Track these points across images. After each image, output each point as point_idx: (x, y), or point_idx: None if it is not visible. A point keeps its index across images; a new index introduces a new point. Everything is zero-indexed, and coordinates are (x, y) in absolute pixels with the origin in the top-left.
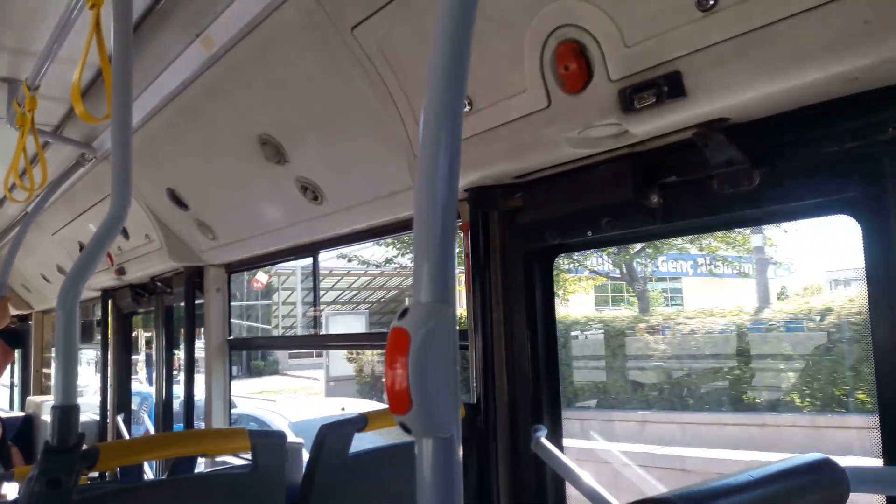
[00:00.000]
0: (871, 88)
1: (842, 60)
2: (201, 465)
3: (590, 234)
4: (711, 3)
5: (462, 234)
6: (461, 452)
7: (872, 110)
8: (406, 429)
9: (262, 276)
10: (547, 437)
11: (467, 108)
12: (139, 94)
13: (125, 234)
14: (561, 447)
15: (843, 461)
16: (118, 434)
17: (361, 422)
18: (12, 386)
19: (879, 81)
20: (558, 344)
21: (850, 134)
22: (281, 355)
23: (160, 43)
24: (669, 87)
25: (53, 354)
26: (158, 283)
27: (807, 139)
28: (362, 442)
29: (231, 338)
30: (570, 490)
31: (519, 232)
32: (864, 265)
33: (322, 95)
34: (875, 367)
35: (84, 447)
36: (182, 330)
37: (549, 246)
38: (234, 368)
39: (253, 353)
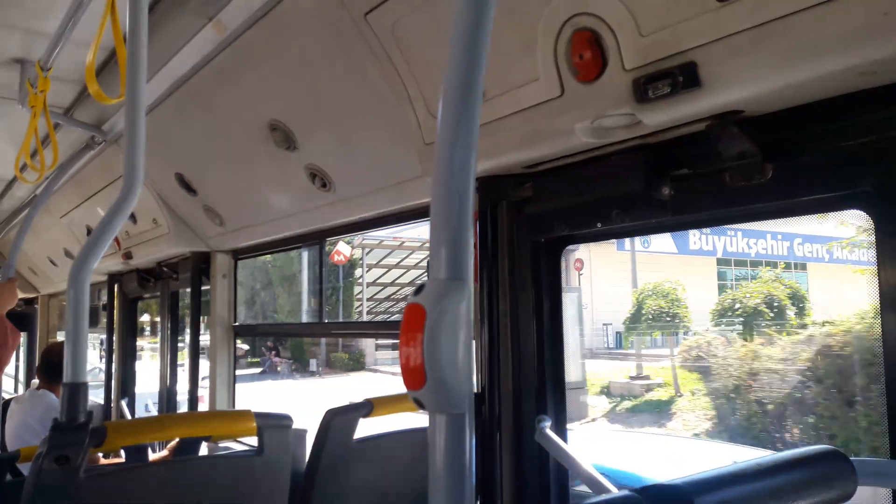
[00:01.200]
0: (888, 83)
1: (859, 54)
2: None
3: (599, 225)
4: None
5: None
6: (473, 429)
7: (888, 105)
8: (420, 404)
9: (344, 248)
10: (551, 427)
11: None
12: (150, 77)
13: (133, 218)
14: (565, 437)
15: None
16: (122, 417)
17: (367, 407)
18: (17, 369)
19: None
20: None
21: (864, 128)
22: (367, 347)
23: (172, 26)
24: (685, 77)
25: (61, 336)
26: (165, 269)
27: (820, 133)
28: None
29: (237, 324)
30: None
31: (527, 222)
32: (875, 260)
33: (333, 82)
34: (885, 361)
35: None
36: (188, 316)
37: (557, 237)
38: (313, 362)
39: (332, 344)
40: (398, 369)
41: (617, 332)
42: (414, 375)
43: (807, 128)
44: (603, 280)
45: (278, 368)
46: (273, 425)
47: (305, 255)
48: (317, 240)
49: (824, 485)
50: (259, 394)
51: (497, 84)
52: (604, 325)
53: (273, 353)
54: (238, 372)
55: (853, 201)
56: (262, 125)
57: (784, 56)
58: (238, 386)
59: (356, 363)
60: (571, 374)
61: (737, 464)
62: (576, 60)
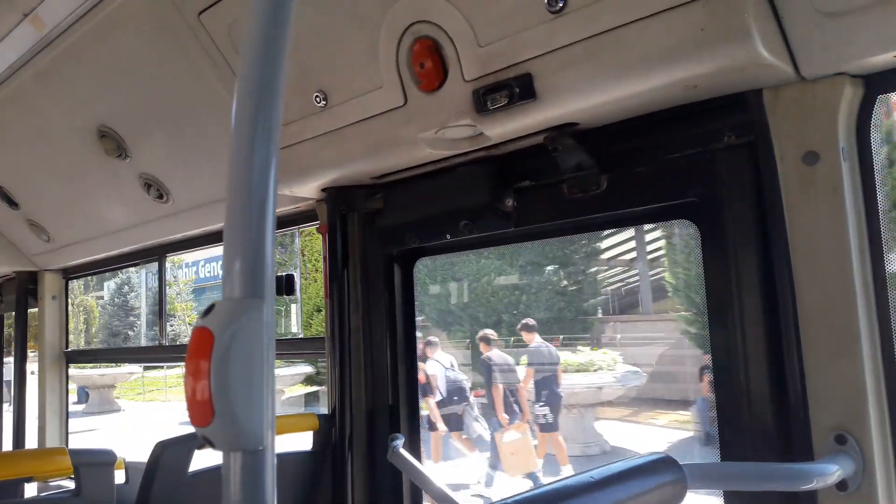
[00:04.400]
0: (710, 97)
1: (682, 67)
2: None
3: (448, 237)
4: (561, 4)
5: (321, 237)
6: (274, 467)
7: (711, 118)
8: (209, 443)
9: None
10: (405, 446)
11: (322, 104)
12: None
13: None
14: (419, 455)
15: (682, 459)
16: None
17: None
18: None
19: (716, 90)
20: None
21: (690, 141)
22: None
23: None
24: (521, 88)
25: None
26: None
27: (651, 145)
28: None
29: (68, 349)
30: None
31: (379, 234)
32: (702, 269)
33: (166, 85)
34: (713, 368)
35: None
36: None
37: (410, 249)
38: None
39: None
40: None
41: None
42: (200, 410)
43: (638, 140)
44: None
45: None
46: (91, 462)
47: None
48: (156, 256)
49: (656, 491)
50: None
51: (340, 91)
52: None
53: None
54: None
55: (681, 211)
56: (89, 131)
57: (615, 68)
58: None
59: None
60: None
61: (569, 477)
62: (417, 69)
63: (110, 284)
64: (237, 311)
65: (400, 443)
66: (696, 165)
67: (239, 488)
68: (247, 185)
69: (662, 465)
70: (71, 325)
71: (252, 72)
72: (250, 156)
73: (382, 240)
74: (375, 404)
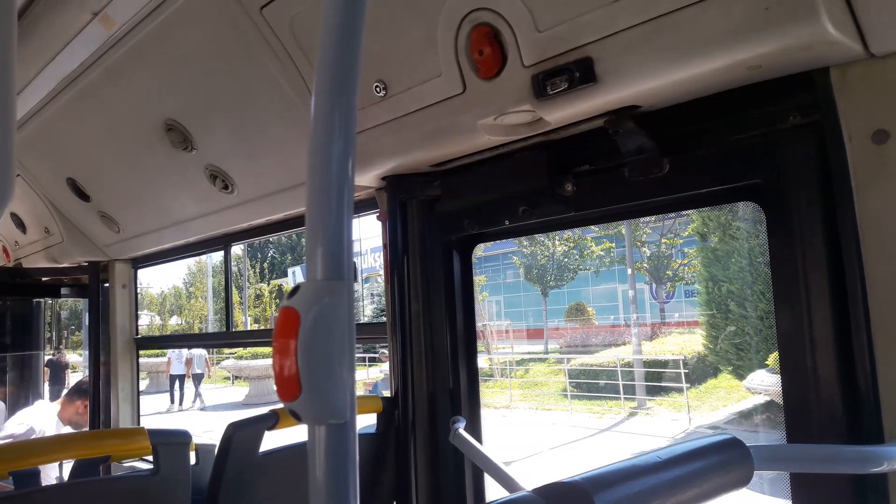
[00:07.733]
0: (774, 77)
1: (745, 47)
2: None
3: (507, 222)
4: None
5: (380, 224)
6: (356, 440)
7: (775, 99)
8: (296, 416)
9: None
10: (466, 429)
11: (382, 93)
12: (34, 76)
13: (22, 227)
14: (479, 437)
15: (748, 441)
16: None
17: (272, 419)
18: None
19: (781, 70)
20: None
21: (754, 122)
22: None
23: (55, 21)
24: (581, 73)
25: None
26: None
27: (713, 127)
28: None
29: (138, 336)
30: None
31: (438, 221)
32: (768, 251)
33: (230, 79)
34: (780, 350)
35: None
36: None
37: (469, 235)
38: None
39: None
40: None
41: None
42: (288, 385)
43: (701, 122)
44: None
45: None
46: (169, 443)
47: None
48: (221, 244)
49: (722, 472)
50: None
51: (400, 80)
52: None
53: None
54: None
55: (745, 193)
56: (157, 125)
57: (676, 50)
58: None
59: None
60: None
61: (636, 457)
62: (476, 56)
63: (296, 271)
64: (321, 292)
65: (461, 425)
66: (761, 146)
67: (324, 459)
68: (327, 172)
69: (728, 446)
70: (268, 312)
71: (330, 58)
72: (330, 142)
73: (441, 226)
74: (437, 388)
